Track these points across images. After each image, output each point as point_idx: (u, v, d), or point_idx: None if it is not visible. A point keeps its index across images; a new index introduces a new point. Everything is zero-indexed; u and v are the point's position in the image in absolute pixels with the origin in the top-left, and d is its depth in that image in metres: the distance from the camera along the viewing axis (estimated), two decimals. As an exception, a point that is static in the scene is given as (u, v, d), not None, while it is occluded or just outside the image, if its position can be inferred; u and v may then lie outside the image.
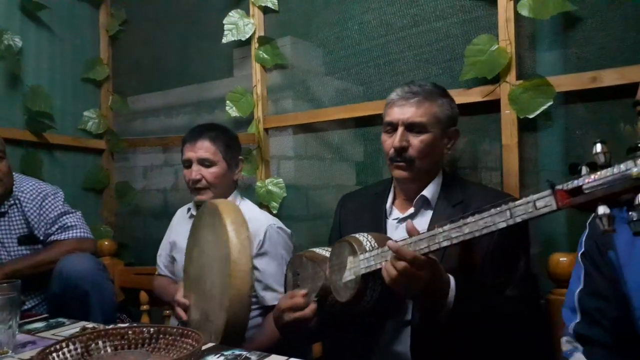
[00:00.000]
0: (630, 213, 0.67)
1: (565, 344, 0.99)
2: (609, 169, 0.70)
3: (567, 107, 1.48)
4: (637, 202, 0.66)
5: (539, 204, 0.80)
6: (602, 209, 0.70)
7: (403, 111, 1.25)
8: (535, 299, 1.24)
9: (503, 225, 0.85)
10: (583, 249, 0.98)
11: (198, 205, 1.74)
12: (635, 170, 0.67)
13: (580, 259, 0.99)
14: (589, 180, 0.72)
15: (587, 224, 0.99)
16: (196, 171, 1.67)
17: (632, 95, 0.98)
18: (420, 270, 0.97)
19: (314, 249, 1.28)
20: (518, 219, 0.83)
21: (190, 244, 1.55)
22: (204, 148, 1.68)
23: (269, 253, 1.66)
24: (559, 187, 0.77)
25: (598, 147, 0.71)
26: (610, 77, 1.37)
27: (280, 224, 1.74)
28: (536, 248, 1.52)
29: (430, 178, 1.30)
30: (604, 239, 0.92)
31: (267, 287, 1.65)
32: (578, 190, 0.74)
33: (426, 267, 0.97)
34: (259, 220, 1.69)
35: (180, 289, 1.51)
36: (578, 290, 0.97)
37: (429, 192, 1.28)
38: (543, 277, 1.36)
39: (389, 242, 0.99)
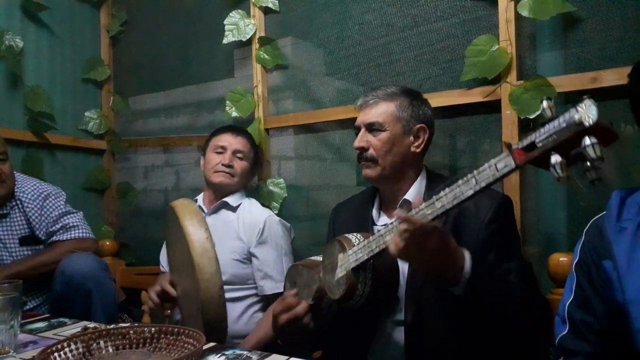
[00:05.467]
0: (585, 164, 0.71)
1: (552, 353, 1.00)
2: (555, 120, 0.75)
3: (568, 108, 1.47)
4: (583, 145, 0.70)
5: (499, 165, 0.83)
6: (554, 158, 0.73)
7: (364, 114, 1.33)
8: (536, 286, 1.23)
9: (470, 192, 0.87)
10: (577, 258, 0.97)
11: (216, 189, 1.81)
12: (577, 116, 0.72)
13: (574, 269, 0.98)
14: (539, 134, 0.76)
15: (584, 232, 0.98)
16: (230, 158, 1.78)
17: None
18: (428, 238, 0.95)
19: (310, 258, 1.31)
20: (483, 184, 0.86)
21: (168, 244, 1.57)
22: (243, 143, 1.84)
23: (268, 242, 1.70)
24: (515, 146, 0.80)
25: (545, 104, 0.77)
26: (610, 77, 1.37)
27: (280, 219, 1.80)
28: (536, 248, 1.52)
29: (408, 180, 1.31)
30: (600, 249, 0.91)
31: (266, 276, 1.67)
32: (532, 145, 0.78)
33: (434, 233, 0.96)
34: (259, 212, 1.78)
35: (167, 277, 1.52)
36: (569, 301, 0.97)
37: (411, 195, 1.29)
38: (543, 277, 1.36)
39: (396, 211, 0.99)
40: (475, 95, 1.59)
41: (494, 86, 1.55)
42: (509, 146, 0.81)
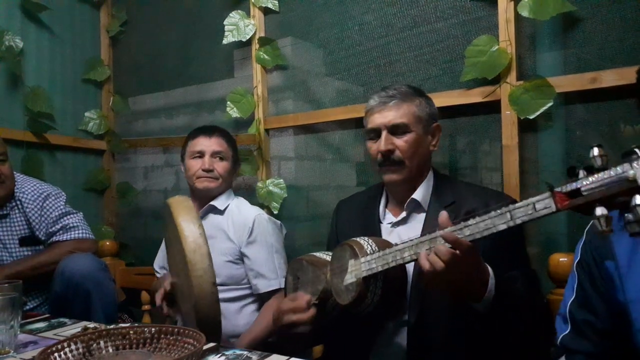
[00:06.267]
0: (626, 215, 0.69)
1: (553, 352, 1.00)
2: (606, 171, 0.72)
3: (567, 108, 1.48)
4: (633, 204, 0.68)
5: (538, 206, 0.82)
6: (599, 210, 0.71)
7: (384, 115, 1.27)
8: (540, 294, 1.24)
9: (504, 227, 0.86)
10: (579, 258, 0.98)
11: (203, 195, 1.78)
12: (631, 172, 0.68)
13: (575, 268, 0.98)
14: (586, 182, 0.74)
15: (585, 231, 0.98)
16: (209, 162, 1.74)
17: (632, 96, 0.98)
18: (467, 259, 0.93)
19: (314, 253, 1.29)
20: (518, 221, 0.85)
21: (167, 243, 1.57)
22: (219, 143, 1.78)
23: (258, 241, 1.69)
24: (557, 189, 0.78)
25: (595, 151, 0.73)
26: (610, 78, 1.37)
27: (270, 217, 1.79)
28: (536, 248, 1.52)
29: (420, 180, 1.30)
30: (602, 248, 0.91)
31: (259, 275, 1.67)
32: (576, 192, 0.75)
33: (473, 254, 0.95)
34: (247, 211, 1.76)
35: (169, 279, 1.53)
36: (570, 300, 0.97)
37: (419, 194, 1.28)
38: (543, 277, 1.36)
39: (443, 232, 0.93)
40: (475, 96, 1.59)
41: (493, 86, 1.55)
42: (551, 188, 0.79)
